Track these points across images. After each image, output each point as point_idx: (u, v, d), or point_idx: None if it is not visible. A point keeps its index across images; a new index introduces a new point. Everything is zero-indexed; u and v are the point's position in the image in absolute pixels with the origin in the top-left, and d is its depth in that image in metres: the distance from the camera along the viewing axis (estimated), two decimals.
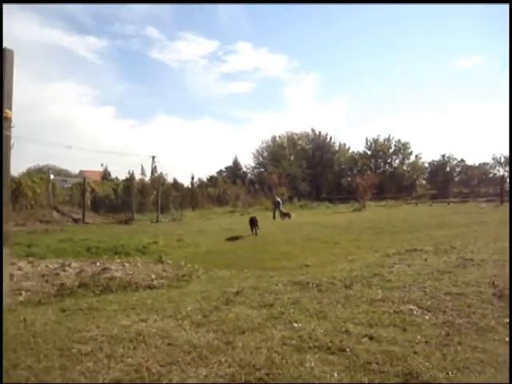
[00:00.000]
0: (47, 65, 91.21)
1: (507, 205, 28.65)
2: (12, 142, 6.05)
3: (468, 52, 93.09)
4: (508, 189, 39.46)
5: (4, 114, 5.84)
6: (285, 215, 28.99)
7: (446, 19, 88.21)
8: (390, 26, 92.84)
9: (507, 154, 64.21)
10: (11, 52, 5.91)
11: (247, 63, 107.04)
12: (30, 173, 34.63)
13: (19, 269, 9.19)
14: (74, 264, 10.02)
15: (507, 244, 9.45)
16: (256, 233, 18.62)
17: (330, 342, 3.87)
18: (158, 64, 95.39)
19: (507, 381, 3.04)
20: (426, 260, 8.48)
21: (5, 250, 6.01)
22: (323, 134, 72.31)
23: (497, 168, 66.74)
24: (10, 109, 5.95)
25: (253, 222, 18.92)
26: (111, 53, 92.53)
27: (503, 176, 53.32)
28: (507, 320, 4.31)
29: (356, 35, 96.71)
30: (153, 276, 8.63)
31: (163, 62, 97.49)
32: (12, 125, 5.99)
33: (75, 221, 26.91)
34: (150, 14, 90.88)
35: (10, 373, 3.40)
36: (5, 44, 5.84)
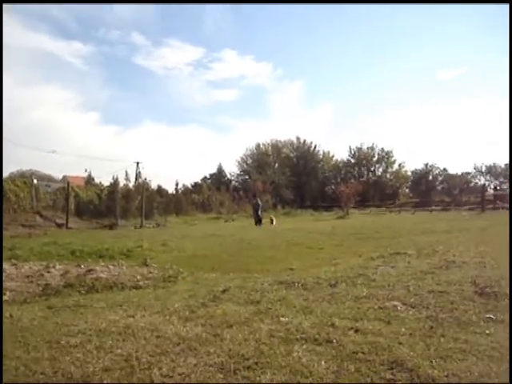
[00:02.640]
0: (31, 69, 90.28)
1: (488, 213, 29.10)
2: None
3: (452, 62, 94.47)
4: (491, 197, 39.97)
5: None
6: (260, 222, 28.76)
7: (431, 31, 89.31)
8: (375, 34, 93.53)
9: (488, 163, 65.39)
10: None
11: (232, 71, 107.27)
12: (12, 177, 34.19)
13: (2, 270, 9.11)
14: (58, 266, 9.93)
15: (488, 248, 9.62)
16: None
17: (317, 334, 3.95)
18: (144, 70, 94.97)
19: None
20: (409, 262, 8.59)
21: None
22: (308, 142, 72.63)
23: (478, 177, 67.85)
24: None
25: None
26: (96, 58, 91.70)
27: (484, 185, 54.07)
28: (488, 315, 4.42)
29: (340, 43, 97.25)
30: (138, 277, 8.61)
31: (148, 68, 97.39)
32: None
33: (58, 225, 26.66)
34: (135, 20, 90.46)
35: None
36: None
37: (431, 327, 4.11)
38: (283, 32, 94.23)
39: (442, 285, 5.97)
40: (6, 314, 5.15)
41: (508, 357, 3.31)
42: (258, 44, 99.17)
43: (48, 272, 9.06)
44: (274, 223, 28.66)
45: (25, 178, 31.76)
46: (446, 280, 6.27)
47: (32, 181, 29.88)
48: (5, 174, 32.33)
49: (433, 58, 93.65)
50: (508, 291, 5.27)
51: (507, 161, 60.78)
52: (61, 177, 52.97)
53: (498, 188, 57.17)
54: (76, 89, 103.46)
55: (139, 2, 74.93)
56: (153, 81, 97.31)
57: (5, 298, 6.83)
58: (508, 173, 62.09)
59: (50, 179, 43.51)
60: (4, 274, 8.80)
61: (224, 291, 6.15)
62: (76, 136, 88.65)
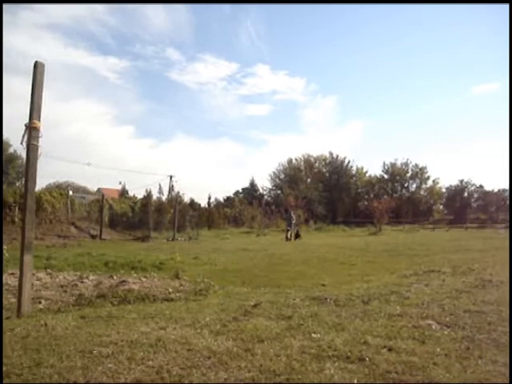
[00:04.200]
0: (69, 84, 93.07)
1: None
2: (39, 152, 6.21)
3: (488, 76, 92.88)
4: None
5: (33, 124, 6.02)
6: (293, 236, 28.60)
7: (468, 45, 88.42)
8: (409, 48, 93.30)
9: None
10: (42, 65, 6.13)
11: (265, 86, 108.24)
12: (49, 188, 35.01)
13: (38, 279, 9.29)
14: (91, 277, 10.09)
15: None
16: (296, 239, 28.05)
17: (349, 351, 3.88)
18: (177, 85, 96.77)
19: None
20: (443, 280, 8.43)
21: (27, 257, 6.15)
22: (341, 157, 72.30)
23: None
24: (39, 119, 6.13)
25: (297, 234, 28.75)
26: (131, 73, 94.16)
27: None
28: None
29: (373, 59, 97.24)
30: (170, 290, 8.66)
31: (182, 83, 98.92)
32: (40, 135, 6.16)
33: (92, 237, 27.12)
34: (170, 36, 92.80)
35: (33, 370, 3.47)
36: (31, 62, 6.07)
37: (468, 348, 3.99)
38: (317, 47, 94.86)
39: (479, 304, 5.82)
40: (40, 322, 5.24)
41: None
42: (292, 59, 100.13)
43: (82, 282, 9.21)
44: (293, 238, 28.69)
45: (61, 190, 32.47)
46: (482, 299, 6.12)
47: (68, 192, 30.54)
48: (42, 185, 33.22)
49: (467, 72, 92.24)
50: None
51: None
52: (96, 189, 54.00)
53: None
54: (111, 103, 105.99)
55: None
56: (186, 95, 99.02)
57: (40, 306, 6.97)
58: None
59: (85, 191, 44.45)
60: (40, 283, 9.00)
61: (255, 306, 6.12)
62: (111, 149, 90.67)
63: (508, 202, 63.55)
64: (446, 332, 4.56)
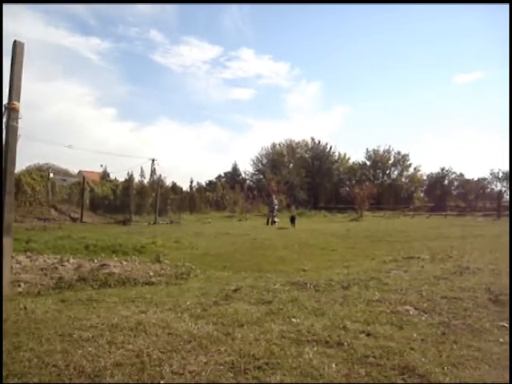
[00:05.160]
0: (50, 64, 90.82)
1: (504, 219, 28.75)
2: (19, 134, 6.12)
3: (469, 66, 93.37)
4: (507, 204, 39.55)
5: (12, 105, 5.93)
6: (274, 222, 28.32)
7: (447, 35, 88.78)
8: (394, 37, 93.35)
9: (505, 169, 64.68)
10: (22, 44, 6.03)
11: (249, 70, 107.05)
12: (29, 170, 34.51)
13: (18, 262, 9.19)
14: (72, 260, 10.03)
15: (502, 256, 9.52)
16: (294, 227, 24.61)
17: (328, 336, 3.94)
18: (161, 67, 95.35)
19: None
20: (422, 267, 8.54)
21: (6, 240, 6.09)
22: (323, 143, 72.35)
23: (495, 183, 66.93)
24: (18, 100, 6.03)
25: (292, 219, 25.80)
26: (114, 54, 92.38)
27: (500, 191, 53.56)
28: (502, 323, 4.38)
29: (357, 46, 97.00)
30: (151, 273, 8.65)
31: (166, 65, 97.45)
32: (19, 116, 6.07)
33: (73, 219, 26.91)
34: (154, 18, 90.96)
35: (12, 354, 3.46)
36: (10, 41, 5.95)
37: (444, 333, 4.08)
38: (301, 32, 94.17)
39: (456, 291, 5.93)
40: (20, 305, 5.21)
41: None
42: (276, 43, 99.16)
43: (62, 265, 9.14)
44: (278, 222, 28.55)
45: (41, 172, 32.04)
46: (459, 286, 6.23)
47: (48, 174, 30.19)
48: (22, 167, 32.68)
49: (449, 62, 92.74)
50: None
51: None
52: (77, 171, 53.35)
53: None
54: (93, 84, 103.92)
55: (155, 2, 75.64)
56: (170, 78, 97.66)
57: (19, 289, 6.91)
58: None
59: (66, 173, 43.76)
60: (19, 266, 8.91)
61: (236, 290, 6.16)
62: (93, 131, 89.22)
63: (487, 190, 64.66)
64: (423, 318, 4.65)
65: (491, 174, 66.14)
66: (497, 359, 3.44)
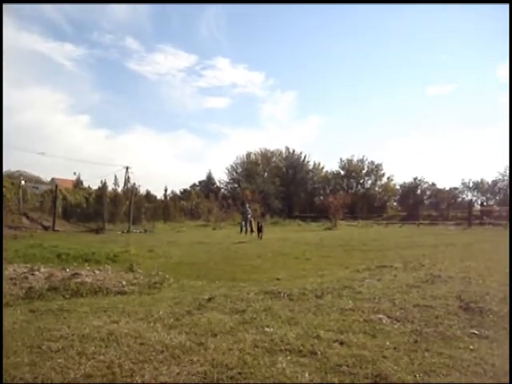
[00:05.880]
0: (22, 70, 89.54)
1: (475, 228, 29.35)
2: None
3: (444, 78, 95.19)
4: (478, 213, 40.38)
5: None
6: (249, 230, 27.27)
7: (425, 46, 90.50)
8: (368, 48, 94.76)
9: (476, 179, 66.02)
10: None
11: (225, 79, 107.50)
12: None
13: None
14: (43, 269, 9.83)
15: (473, 264, 9.71)
16: (261, 237, 22.70)
17: (302, 345, 3.94)
18: (136, 75, 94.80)
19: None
20: (395, 276, 8.62)
21: None
22: (297, 152, 72.81)
23: (465, 192, 68.24)
24: None
25: (260, 228, 23.31)
26: (89, 61, 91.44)
27: (471, 200, 54.51)
28: (472, 330, 4.45)
29: (332, 56, 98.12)
30: (124, 282, 8.54)
31: (140, 73, 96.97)
32: None
33: (45, 228, 26.47)
34: (129, 25, 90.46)
35: None
36: None
37: (416, 341, 4.12)
38: (276, 42, 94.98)
39: (428, 299, 5.99)
40: None
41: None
42: (251, 53, 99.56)
43: (32, 275, 8.96)
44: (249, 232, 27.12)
45: (13, 179, 31.47)
46: (431, 294, 6.30)
47: (20, 182, 29.66)
48: None
49: (424, 73, 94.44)
50: (492, 307, 5.31)
51: (494, 177, 61.68)
52: (49, 179, 52.57)
53: (485, 204, 57.72)
54: (67, 91, 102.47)
55: (136, 2, 75.15)
56: (145, 86, 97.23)
57: None
58: (495, 189, 62.90)
59: (38, 181, 43.08)
60: None
61: (209, 299, 6.12)
62: (66, 138, 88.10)
63: (458, 199, 65.79)
64: (395, 326, 4.68)
65: (462, 183, 67.54)
66: (467, 366, 3.48)
